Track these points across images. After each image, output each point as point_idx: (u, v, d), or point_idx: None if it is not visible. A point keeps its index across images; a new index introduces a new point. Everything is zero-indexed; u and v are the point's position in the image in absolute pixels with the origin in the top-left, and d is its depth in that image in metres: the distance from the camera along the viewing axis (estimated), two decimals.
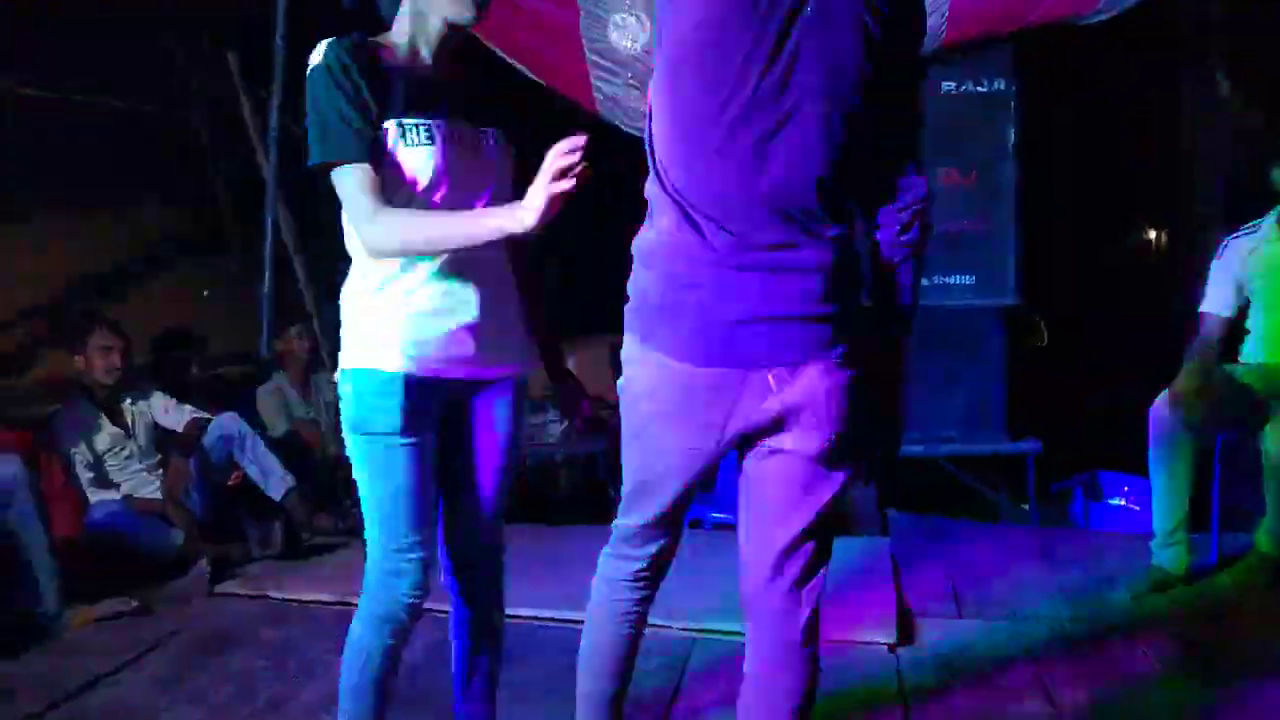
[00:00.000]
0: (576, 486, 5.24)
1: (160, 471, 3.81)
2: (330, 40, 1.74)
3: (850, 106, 1.49)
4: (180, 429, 3.86)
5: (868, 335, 1.62)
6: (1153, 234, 7.39)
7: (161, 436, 3.90)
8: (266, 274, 4.96)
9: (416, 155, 1.75)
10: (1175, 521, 3.15)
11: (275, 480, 3.87)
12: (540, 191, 1.59)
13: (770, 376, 1.54)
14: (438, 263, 1.80)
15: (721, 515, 4.07)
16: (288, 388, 4.50)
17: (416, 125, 1.75)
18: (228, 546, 3.72)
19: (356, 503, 4.14)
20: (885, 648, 2.85)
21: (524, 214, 1.61)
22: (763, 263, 1.51)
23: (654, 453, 1.68)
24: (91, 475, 3.70)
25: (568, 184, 1.57)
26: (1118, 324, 6.00)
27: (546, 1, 4.34)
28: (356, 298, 1.85)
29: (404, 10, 1.82)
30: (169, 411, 3.91)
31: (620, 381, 1.70)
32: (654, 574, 1.84)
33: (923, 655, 2.82)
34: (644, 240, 1.63)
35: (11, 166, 4.36)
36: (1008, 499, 4.44)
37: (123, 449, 3.78)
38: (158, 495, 3.72)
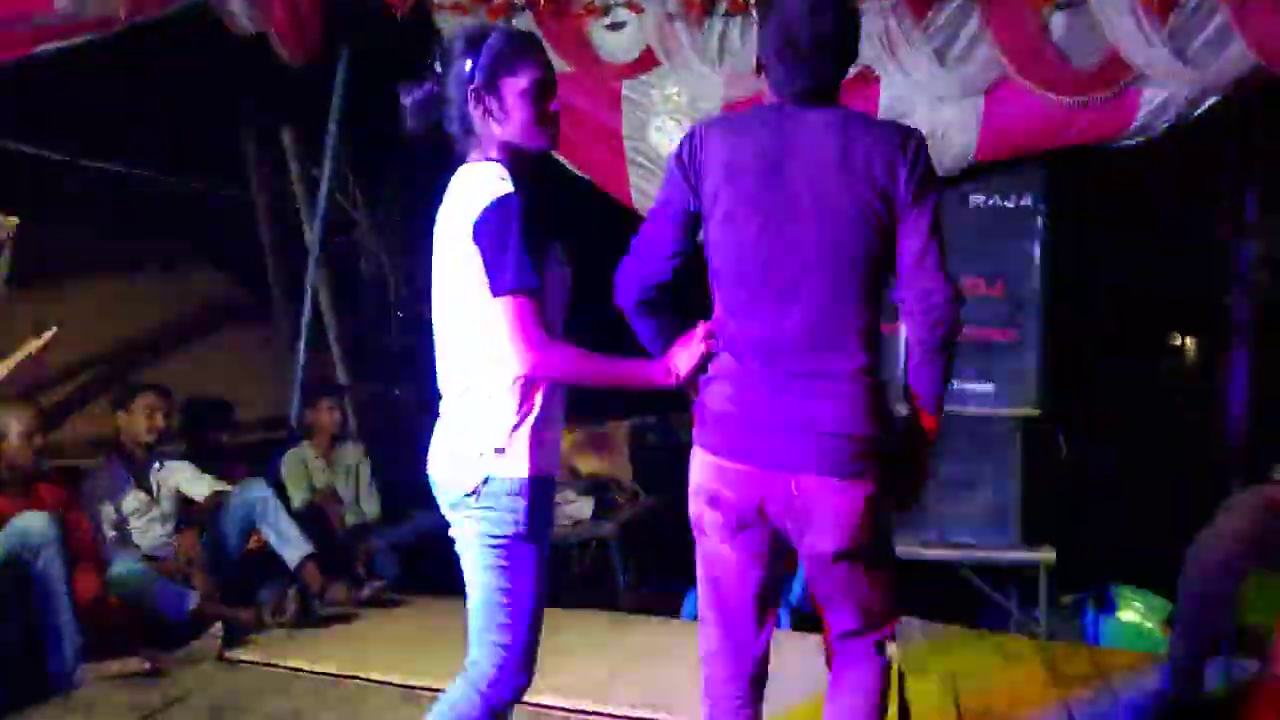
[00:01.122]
0: (586, 570, 5.27)
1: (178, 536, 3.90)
2: (496, 165, 1.91)
3: (859, 251, 1.84)
4: (202, 500, 3.96)
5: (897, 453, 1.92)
6: (1182, 348, 7.39)
7: (183, 504, 4.01)
8: (302, 344, 5.10)
9: (554, 278, 1.97)
10: (1193, 654, 3.12)
11: (293, 547, 3.94)
12: (689, 357, 1.93)
13: (793, 482, 1.84)
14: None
15: None
16: (312, 458, 4.60)
17: (554, 251, 1.98)
18: (241, 612, 3.77)
19: (370, 575, 4.21)
20: None
21: (674, 372, 1.95)
22: (793, 388, 1.85)
23: (711, 551, 1.98)
24: (115, 535, 3.79)
25: (700, 353, 1.94)
26: (1139, 439, 5.99)
27: (592, 101, 4.52)
28: (504, 404, 1.94)
29: (487, 146, 1.96)
30: (192, 481, 4.02)
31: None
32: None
33: None
34: (704, 377, 1.96)
35: (72, 231, 4.56)
36: (1019, 607, 4.41)
37: (147, 513, 3.89)
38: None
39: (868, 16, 3.94)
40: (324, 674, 3.39)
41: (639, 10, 4.18)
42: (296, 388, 5.05)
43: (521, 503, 1.92)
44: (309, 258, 5.25)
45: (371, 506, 4.68)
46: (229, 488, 4.01)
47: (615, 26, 4.37)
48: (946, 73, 3.95)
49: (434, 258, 2.04)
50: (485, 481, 1.92)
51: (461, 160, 2.02)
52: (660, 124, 4.46)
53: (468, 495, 1.94)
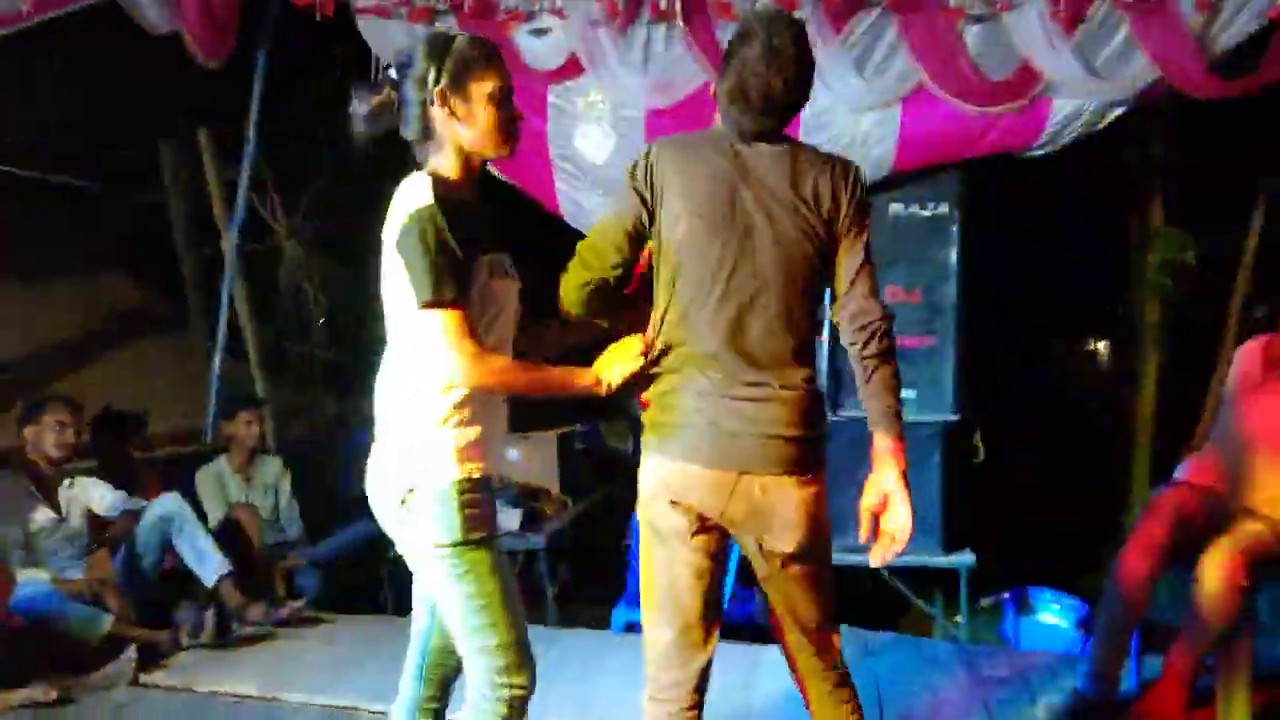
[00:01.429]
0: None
1: (90, 556, 3.77)
2: (425, 177, 1.92)
3: (806, 273, 2.01)
4: (114, 517, 3.84)
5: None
6: (1095, 352, 7.62)
7: (94, 522, 3.87)
8: (217, 355, 4.97)
9: (504, 286, 2.02)
10: (1116, 658, 3.22)
11: (210, 566, 3.84)
12: (622, 369, 2.00)
13: (758, 483, 1.97)
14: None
15: None
16: (228, 473, 4.49)
17: (500, 260, 2.01)
18: (156, 633, 3.66)
19: (290, 593, 4.13)
20: None
21: (607, 382, 2.01)
22: (749, 395, 1.98)
23: (667, 554, 2.03)
24: (21, 554, 3.65)
25: (636, 365, 2.01)
26: (1054, 441, 6.16)
27: (519, 106, 4.48)
28: (427, 411, 1.94)
29: (446, 147, 1.99)
30: (104, 498, 3.89)
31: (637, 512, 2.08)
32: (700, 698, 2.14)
33: None
34: (657, 389, 2.06)
35: None
36: (942, 611, 4.49)
37: (56, 532, 3.75)
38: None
39: None
40: (243, 696, 3.31)
41: (563, 16, 4.16)
42: (212, 400, 4.92)
43: (451, 506, 1.91)
44: (225, 265, 5.11)
45: (292, 523, 4.58)
46: (143, 504, 3.89)
47: (540, 32, 4.35)
48: (864, 83, 4.01)
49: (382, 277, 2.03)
50: (410, 491, 1.92)
51: (416, 167, 2.03)
52: (585, 130, 4.45)
53: (400, 508, 1.94)
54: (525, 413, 6.03)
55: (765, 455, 1.98)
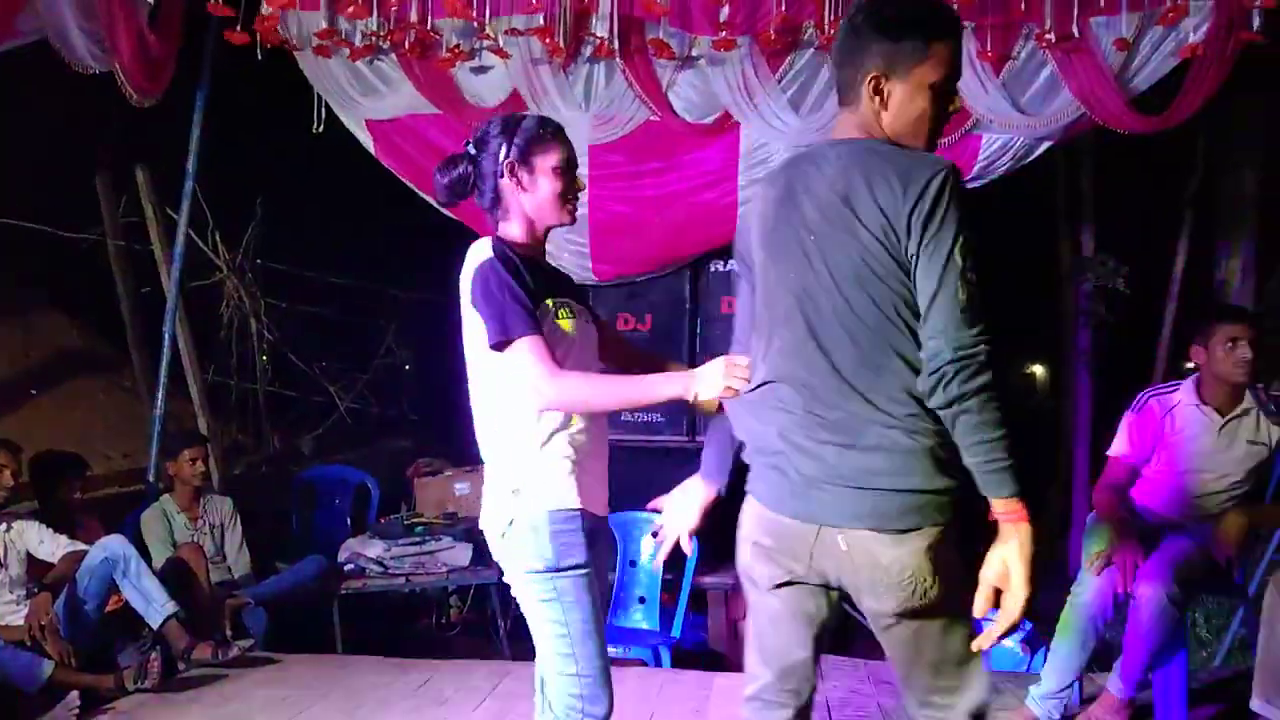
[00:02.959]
0: (466, 618, 5.21)
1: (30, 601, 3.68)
2: (489, 239, 2.12)
3: (868, 308, 1.72)
4: (55, 560, 3.76)
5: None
6: (1033, 375, 7.82)
7: (34, 566, 3.79)
8: (159, 394, 4.91)
9: (568, 324, 2.14)
10: (1067, 681, 3.29)
11: (156, 607, 3.76)
12: (718, 377, 1.91)
13: (840, 536, 1.75)
14: (587, 418, 2.14)
15: (612, 649, 4.08)
16: (174, 512, 4.42)
17: (564, 303, 2.16)
18: (100, 678, 3.57)
19: (238, 634, 4.07)
20: None
21: (700, 389, 1.94)
22: (834, 440, 1.74)
23: (761, 602, 1.91)
24: None
25: (737, 383, 1.89)
26: None
27: (458, 142, 4.48)
28: (522, 449, 2.10)
29: (513, 217, 2.19)
30: (44, 542, 3.82)
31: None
32: None
33: None
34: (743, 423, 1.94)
35: None
36: None
37: None
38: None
39: (727, 64, 4.10)
40: None
41: (504, 56, 4.22)
42: (155, 439, 4.85)
43: (544, 536, 2.05)
44: (166, 303, 5.06)
45: (241, 563, 4.52)
46: (84, 547, 3.82)
47: (481, 70, 4.41)
48: (800, 121, 4.12)
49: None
50: (510, 523, 2.09)
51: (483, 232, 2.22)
52: None
53: (501, 541, 2.11)
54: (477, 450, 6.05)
55: (851, 507, 1.73)
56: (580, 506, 2.10)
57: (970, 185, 4.28)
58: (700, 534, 4.39)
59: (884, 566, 1.73)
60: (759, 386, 1.86)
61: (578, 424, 2.12)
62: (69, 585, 3.72)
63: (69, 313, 6.01)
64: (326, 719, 3.40)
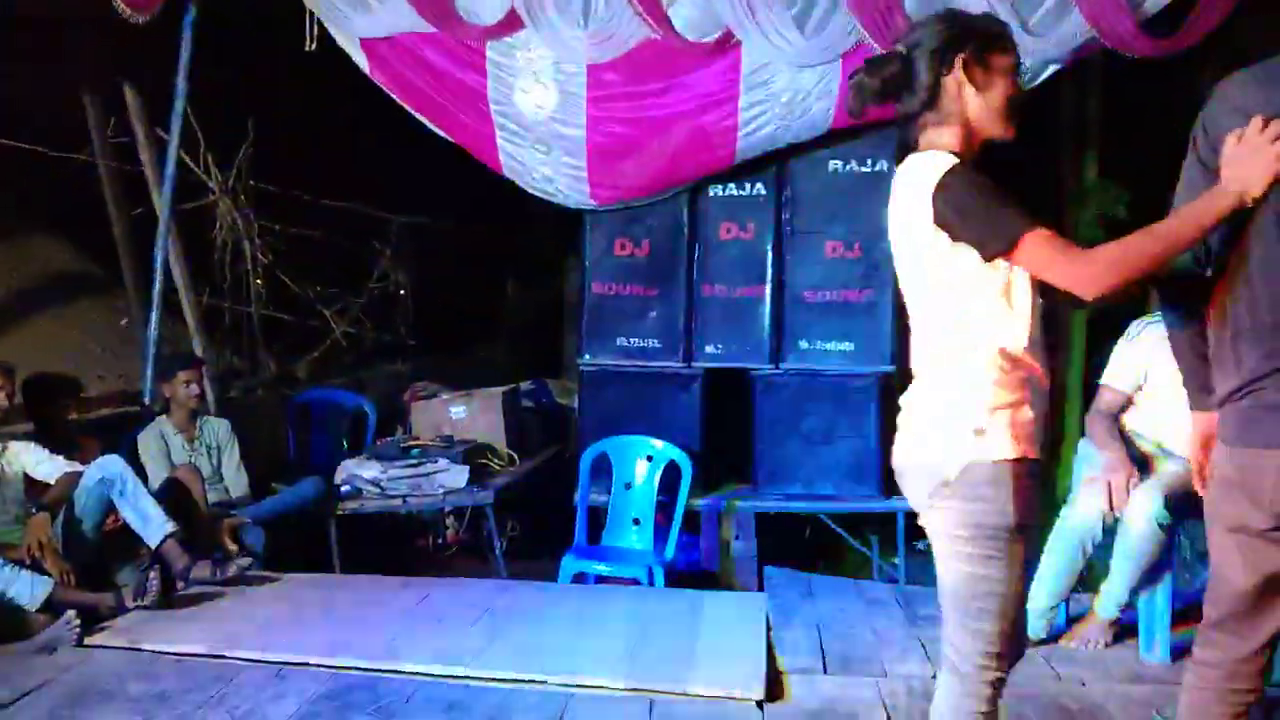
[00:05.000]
0: (463, 539, 5.27)
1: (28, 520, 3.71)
2: (931, 153, 1.90)
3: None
4: (53, 481, 3.78)
5: None
6: None
7: (31, 486, 3.81)
8: (153, 315, 4.88)
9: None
10: (1055, 601, 3.37)
11: (154, 526, 3.79)
12: (1262, 155, 1.73)
13: None
14: (1042, 351, 1.93)
15: (605, 569, 4.14)
16: (171, 433, 4.44)
17: None
18: (100, 596, 3.61)
19: (238, 551, 4.10)
20: (754, 704, 2.96)
21: (1252, 184, 1.74)
22: None
23: (1218, 537, 1.89)
24: None
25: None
26: None
27: (454, 62, 4.44)
28: (990, 397, 1.87)
29: (950, 124, 1.94)
30: (41, 463, 3.82)
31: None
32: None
33: (788, 713, 2.93)
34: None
35: None
36: (880, 554, 4.63)
37: None
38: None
39: None
40: (191, 655, 3.30)
41: None
42: (149, 361, 4.84)
43: (1005, 489, 1.85)
44: (158, 225, 5.01)
45: (238, 484, 4.55)
46: (81, 468, 3.83)
47: None
48: (805, 40, 4.03)
49: (894, 256, 2.03)
50: (965, 469, 1.86)
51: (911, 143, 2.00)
52: (525, 86, 4.42)
53: (943, 485, 1.88)
54: (473, 374, 6.06)
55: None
56: (1037, 456, 1.91)
57: None
58: (693, 457, 4.44)
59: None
60: None
61: (1041, 361, 1.93)
62: (67, 505, 3.75)
63: (62, 234, 5.95)
64: (326, 634, 3.45)
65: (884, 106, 2.00)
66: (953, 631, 1.95)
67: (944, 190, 1.83)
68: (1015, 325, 1.88)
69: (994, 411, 1.86)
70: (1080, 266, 1.79)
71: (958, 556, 1.90)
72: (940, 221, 1.84)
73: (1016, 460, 1.85)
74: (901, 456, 2.00)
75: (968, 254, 1.85)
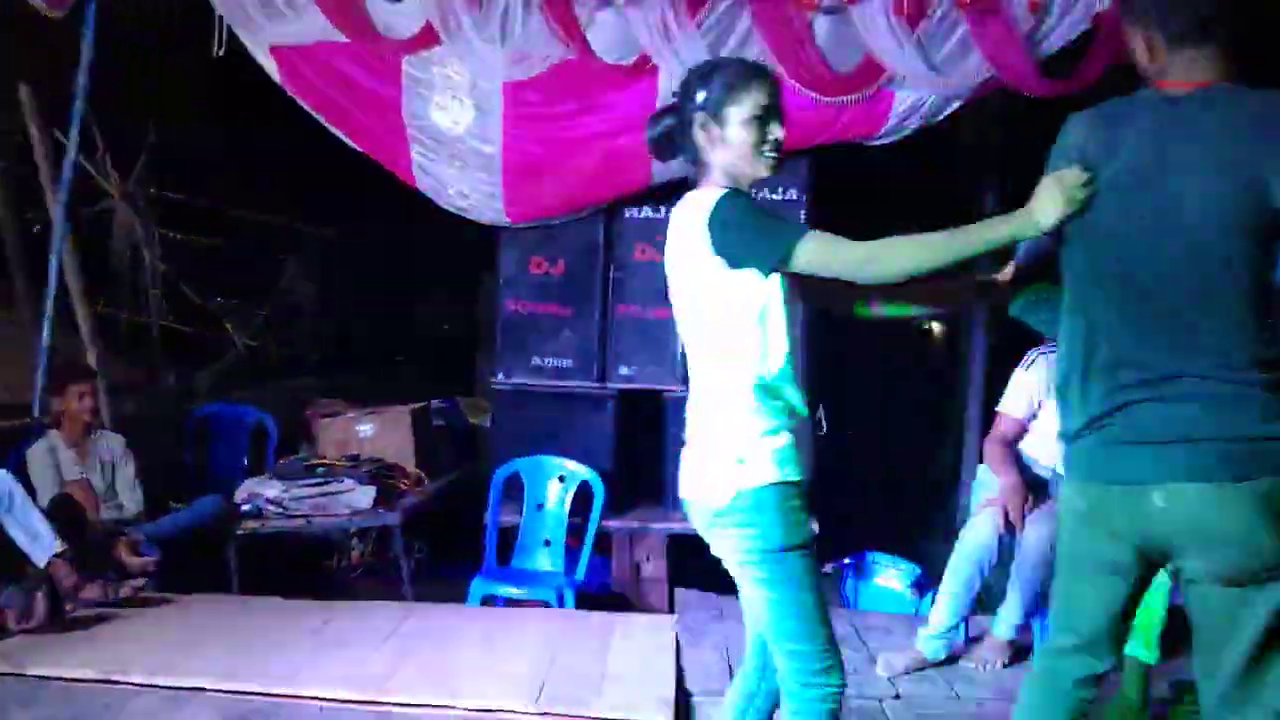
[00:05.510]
0: (369, 560, 5.18)
1: None
2: (728, 188, 2.01)
3: None
4: None
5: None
6: (930, 331, 8.02)
7: None
8: (46, 324, 4.69)
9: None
10: (956, 621, 3.46)
11: (42, 545, 3.64)
12: (1058, 192, 1.83)
13: (1155, 494, 1.77)
14: (798, 381, 2.00)
15: (516, 591, 4.11)
16: (62, 448, 4.25)
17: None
18: None
19: (126, 573, 3.95)
20: None
21: (1040, 215, 1.86)
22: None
23: (1070, 564, 1.95)
24: None
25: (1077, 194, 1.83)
26: (894, 414, 6.49)
27: (370, 74, 4.39)
28: (755, 426, 1.97)
29: (715, 173, 2.06)
30: None
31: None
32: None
33: None
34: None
35: None
36: None
37: None
38: None
39: (644, 7, 4.04)
40: (79, 680, 3.16)
41: None
42: (41, 372, 4.63)
43: (771, 513, 1.94)
44: (53, 229, 4.81)
45: (134, 501, 4.38)
46: None
47: (396, 0, 4.27)
48: None
49: (671, 293, 2.11)
50: (733, 498, 1.94)
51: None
52: (442, 102, 4.40)
53: (718, 515, 1.98)
54: (382, 390, 5.95)
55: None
56: (803, 477, 2.02)
57: (881, 142, 4.35)
58: (605, 478, 4.44)
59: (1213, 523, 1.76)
60: None
61: (797, 387, 2.02)
62: None
63: None
64: (222, 658, 3.34)
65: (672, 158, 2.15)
66: (777, 659, 2.05)
67: (718, 214, 1.95)
68: (772, 357, 1.98)
69: (754, 440, 1.96)
70: (849, 251, 1.91)
71: (749, 582, 2.02)
72: (720, 249, 1.95)
73: (779, 484, 1.95)
74: (683, 489, 2.10)
75: (744, 282, 1.96)
